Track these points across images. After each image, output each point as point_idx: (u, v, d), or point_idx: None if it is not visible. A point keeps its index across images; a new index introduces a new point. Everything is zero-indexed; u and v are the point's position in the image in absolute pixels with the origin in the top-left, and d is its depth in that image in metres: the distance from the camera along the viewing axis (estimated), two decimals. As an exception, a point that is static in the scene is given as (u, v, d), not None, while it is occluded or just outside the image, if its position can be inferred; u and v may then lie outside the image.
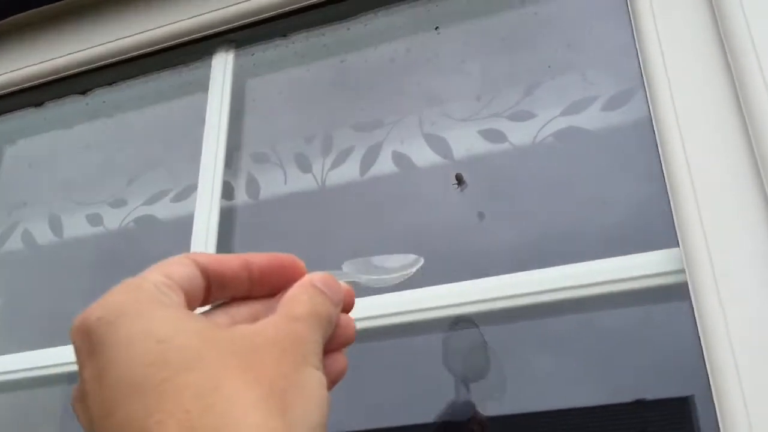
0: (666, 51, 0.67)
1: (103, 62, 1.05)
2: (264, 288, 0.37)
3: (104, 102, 1.15)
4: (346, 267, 0.45)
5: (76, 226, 1.10)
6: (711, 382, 0.52)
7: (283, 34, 0.97)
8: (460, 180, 0.69)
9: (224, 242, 0.85)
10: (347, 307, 0.38)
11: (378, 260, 0.51)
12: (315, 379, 0.31)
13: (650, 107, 0.66)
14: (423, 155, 0.88)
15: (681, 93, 0.65)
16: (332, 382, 0.34)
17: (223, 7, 0.92)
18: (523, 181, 0.82)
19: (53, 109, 1.17)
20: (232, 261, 0.35)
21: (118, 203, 1.08)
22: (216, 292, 0.35)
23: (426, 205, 0.85)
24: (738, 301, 0.54)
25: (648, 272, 0.61)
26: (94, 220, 1.09)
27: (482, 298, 0.64)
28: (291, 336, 0.31)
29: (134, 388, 0.27)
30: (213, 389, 0.27)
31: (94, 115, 1.16)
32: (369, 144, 0.92)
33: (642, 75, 0.69)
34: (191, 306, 0.33)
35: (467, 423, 0.69)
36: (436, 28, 0.89)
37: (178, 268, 0.33)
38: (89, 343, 0.29)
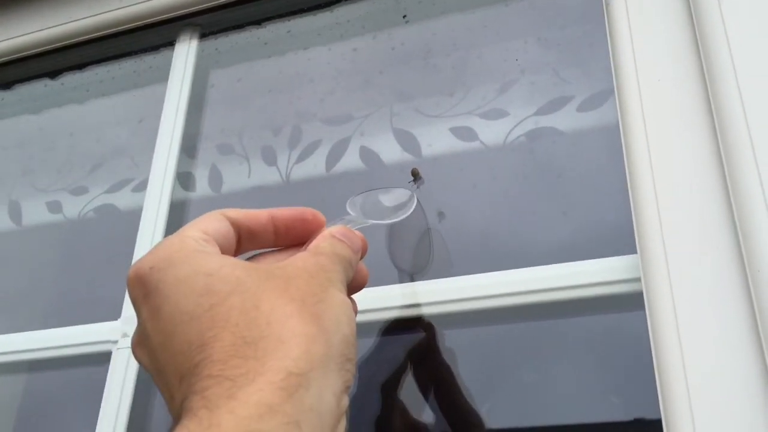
0: (638, 54, 0.65)
1: (69, 41, 1.03)
2: (288, 239, 0.41)
3: (75, 86, 1.12)
4: (350, 206, 0.48)
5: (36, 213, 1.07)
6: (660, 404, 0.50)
7: (251, 21, 0.94)
8: (416, 176, 0.66)
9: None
10: (362, 253, 0.42)
11: (376, 193, 0.51)
12: (341, 299, 0.35)
13: (618, 111, 0.64)
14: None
15: (650, 98, 0.62)
16: None
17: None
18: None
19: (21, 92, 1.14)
20: (260, 215, 0.40)
21: (79, 191, 1.05)
22: (246, 244, 0.40)
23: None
24: (694, 313, 0.51)
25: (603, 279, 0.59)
26: (54, 207, 1.06)
27: (432, 300, 0.62)
28: (316, 265, 0.36)
29: (188, 315, 0.31)
30: (254, 307, 0.31)
31: (64, 99, 1.13)
32: (337, 138, 0.90)
33: (613, 77, 0.66)
34: None
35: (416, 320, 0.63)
36: (404, 16, 0.86)
37: (212, 223, 0.37)
38: (144, 289, 0.34)
